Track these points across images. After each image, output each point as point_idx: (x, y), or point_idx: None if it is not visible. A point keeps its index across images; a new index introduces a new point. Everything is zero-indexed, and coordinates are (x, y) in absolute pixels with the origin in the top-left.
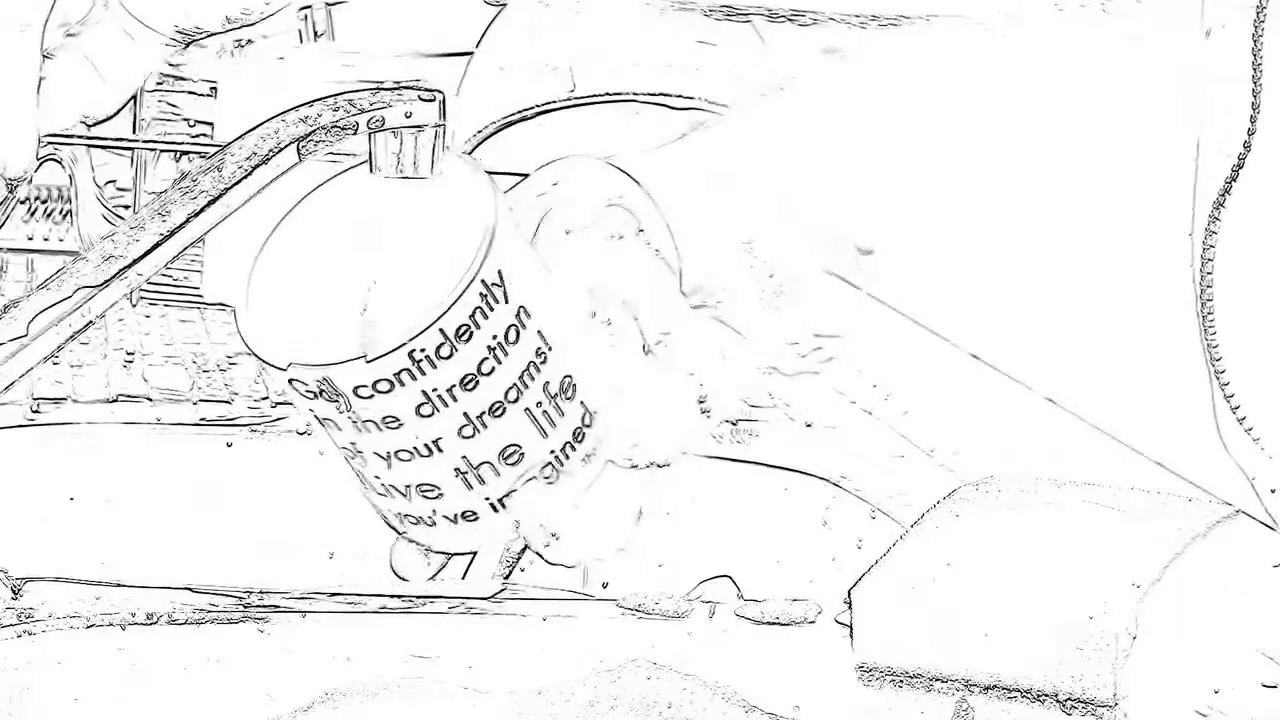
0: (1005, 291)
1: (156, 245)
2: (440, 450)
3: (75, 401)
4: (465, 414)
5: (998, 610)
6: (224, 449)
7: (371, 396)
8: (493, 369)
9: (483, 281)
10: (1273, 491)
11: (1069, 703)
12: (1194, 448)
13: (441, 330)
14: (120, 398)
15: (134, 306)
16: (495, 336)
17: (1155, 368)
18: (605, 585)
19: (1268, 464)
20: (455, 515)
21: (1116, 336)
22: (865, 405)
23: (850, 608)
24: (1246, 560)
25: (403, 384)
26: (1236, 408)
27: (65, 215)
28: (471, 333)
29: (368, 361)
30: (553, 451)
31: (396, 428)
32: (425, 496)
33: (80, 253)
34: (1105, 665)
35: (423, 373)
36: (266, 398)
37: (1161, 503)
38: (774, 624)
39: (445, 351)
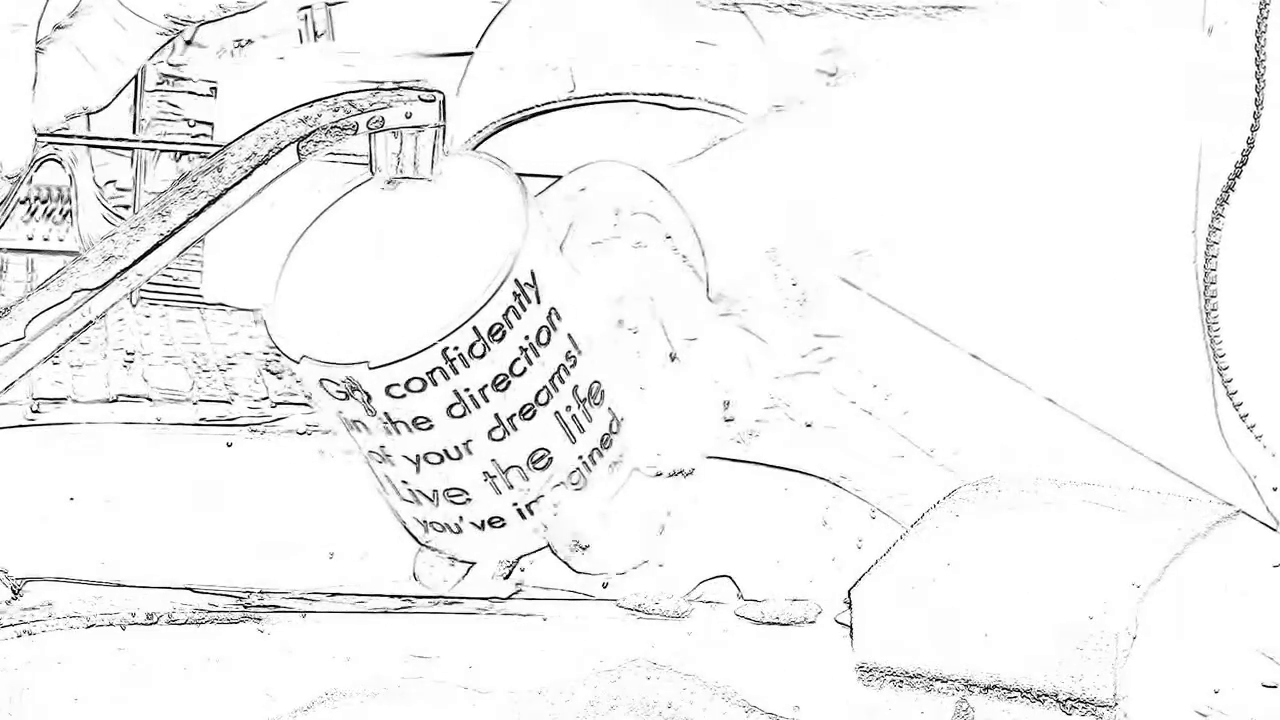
0: (1005, 291)
1: (156, 245)
2: (470, 453)
3: (75, 401)
4: (496, 415)
5: (998, 610)
6: (224, 449)
7: (403, 396)
8: (524, 370)
9: (516, 281)
10: (1275, 490)
11: (1069, 703)
12: (1194, 447)
13: (475, 328)
14: (120, 398)
15: (134, 306)
16: (527, 337)
17: (1156, 367)
18: (605, 585)
19: (1270, 462)
20: (482, 521)
21: (1117, 336)
22: (865, 405)
23: (850, 608)
24: (1246, 560)
25: (435, 383)
26: (1239, 404)
27: (65, 215)
28: (504, 332)
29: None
30: (580, 457)
31: (427, 429)
32: (453, 502)
33: (80, 253)
34: (1105, 665)
35: (455, 372)
36: (266, 398)
37: (1161, 503)
38: (774, 624)
39: (479, 350)
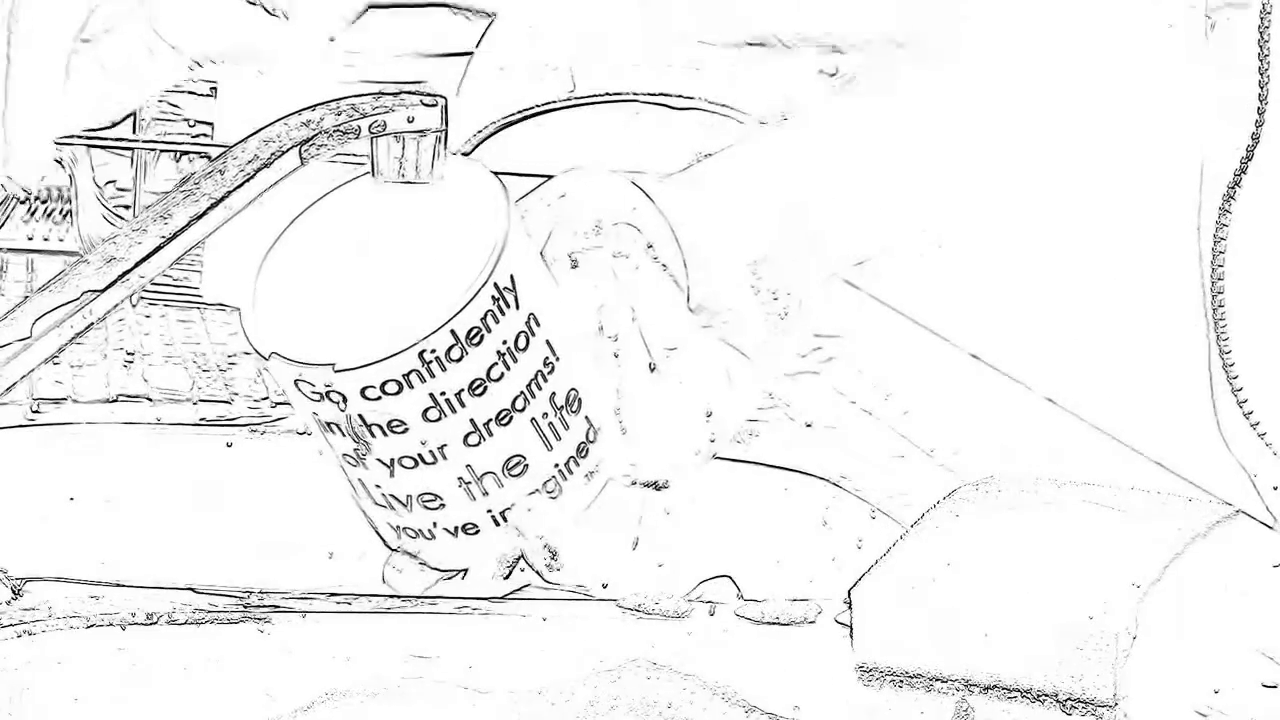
0: (1005, 291)
1: (158, 248)
2: (445, 458)
3: (75, 401)
4: (472, 420)
5: (998, 610)
6: (224, 449)
7: (379, 399)
8: (501, 375)
9: (495, 285)
10: (1275, 489)
11: (1069, 703)
12: (1194, 447)
13: (453, 332)
14: (120, 398)
15: (134, 307)
16: (505, 342)
17: (1156, 367)
18: (605, 585)
19: (1271, 460)
20: (456, 528)
21: (1117, 336)
22: (865, 405)
23: (850, 608)
24: (1246, 560)
25: (411, 386)
26: (1244, 402)
27: (65, 215)
28: (482, 336)
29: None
30: (556, 465)
31: (402, 432)
32: (426, 507)
33: (81, 254)
34: (1105, 665)
35: (432, 375)
36: (266, 398)
37: (1161, 503)
38: (774, 624)
39: (456, 354)
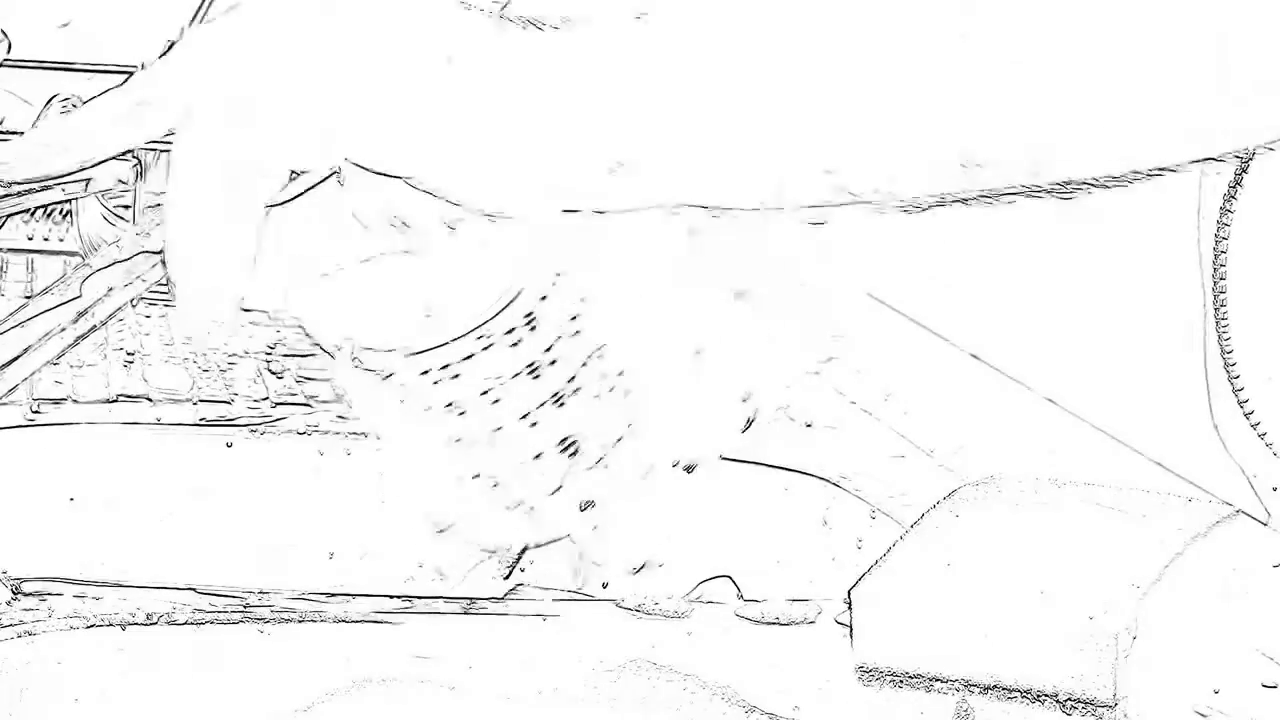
0: (1005, 291)
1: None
2: (501, 439)
3: (75, 401)
4: (528, 402)
5: (998, 610)
6: (224, 449)
7: (438, 382)
8: (556, 359)
9: (550, 270)
10: (1275, 490)
11: (1069, 703)
12: (1194, 447)
13: (510, 316)
14: (120, 398)
15: (134, 307)
16: (559, 325)
17: (1154, 367)
18: (605, 585)
19: (1271, 460)
20: (509, 507)
21: (1116, 336)
22: (865, 405)
23: (850, 608)
24: (1246, 560)
25: (469, 370)
26: (1244, 402)
27: (65, 215)
28: (538, 321)
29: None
30: (606, 446)
31: (460, 415)
32: (482, 488)
33: (81, 254)
34: (1105, 665)
35: (490, 358)
36: (266, 398)
37: (1161, 503)
38: (774, 624)
39: (513, 338)
